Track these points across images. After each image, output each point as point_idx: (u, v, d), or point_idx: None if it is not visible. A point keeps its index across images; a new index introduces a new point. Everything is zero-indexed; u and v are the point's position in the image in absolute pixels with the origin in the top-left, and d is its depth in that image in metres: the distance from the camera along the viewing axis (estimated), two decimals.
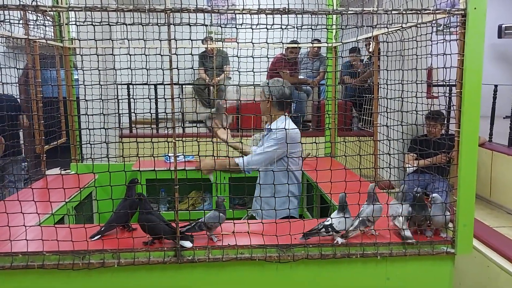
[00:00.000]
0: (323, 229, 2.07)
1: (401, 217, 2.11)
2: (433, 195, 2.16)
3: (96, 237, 2.10)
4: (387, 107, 2.90)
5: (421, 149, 3.56)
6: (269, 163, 2.79)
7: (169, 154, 3.70)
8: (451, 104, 4.59)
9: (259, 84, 5.98)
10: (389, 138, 2.48)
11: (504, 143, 4.67)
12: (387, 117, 2.95)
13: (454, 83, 2.08)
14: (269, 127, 2.98)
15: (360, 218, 2.08)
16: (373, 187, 2.12)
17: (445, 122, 4.40)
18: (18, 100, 4.63)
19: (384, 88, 3.13)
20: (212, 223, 2.11)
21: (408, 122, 2.75)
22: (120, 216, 2.22)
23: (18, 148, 4.42)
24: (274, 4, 2.23)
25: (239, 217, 3.58)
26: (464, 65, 1.97)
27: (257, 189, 2.94)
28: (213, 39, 6.14)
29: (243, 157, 2.97)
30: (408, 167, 4.11)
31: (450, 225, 2.11)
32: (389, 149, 2.63)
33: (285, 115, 2.97)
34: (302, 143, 2.78)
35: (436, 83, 4.99)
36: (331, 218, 2.09)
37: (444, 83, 2.24)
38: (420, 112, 2.56)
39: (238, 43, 2.54)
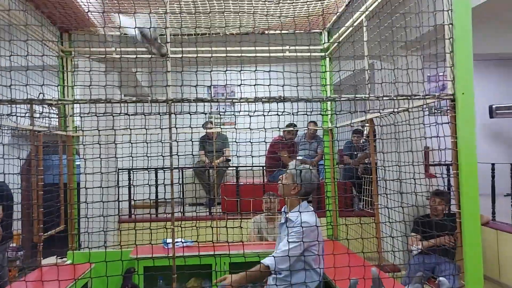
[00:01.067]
0: None
1: None
2: (440, 278, 2.09)
3: None
4: (386, 188, 2.90)
5: (424, 230, 3.50)
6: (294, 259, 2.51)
7: (168, 240, 3.63)
8: (450, 185, 4.60)
9: (258, 166, 6.05)
10: (391, 221, 2.46)
11: (508, 221, 4.60)
12: (387, 198, 2.95)
13: (451, 163, 2.12)
14: (286, 215, 2.74)
15: None
16: (376, 271, 2.06)
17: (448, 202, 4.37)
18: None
19: (382, 169, 3.17)
20: None
21: (408, 203, 2.74)
22: None
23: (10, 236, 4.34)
24: (270, 91, 2.34)
25: None
26: (458, 146, 2.01)
27: (271, 280, 2.69)
28: (213, 123, 6.32)
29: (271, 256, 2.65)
30: (413, 249, 4.01)
31: None
32: (392, 231, 2.59)
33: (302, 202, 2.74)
34: (302, 226, 2.68)
35: (433, 163, 5.04)
36: None
37: (441, 163, 2.27)
38: (419, 193, 2.56)
39: (236, 128, 2.60)
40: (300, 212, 2.50)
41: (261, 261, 2.53)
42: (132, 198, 5.87)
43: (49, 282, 2.13)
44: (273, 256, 2.51)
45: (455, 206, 2.07)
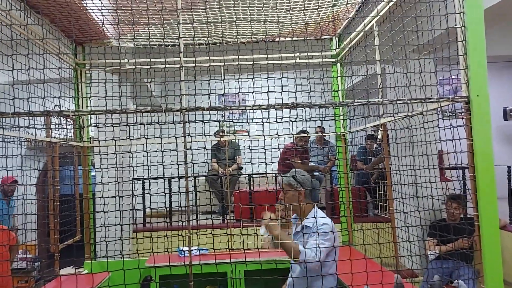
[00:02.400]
0: None
1: None
2: (459, 281, 2.07)
3: None
4: (401, 193, 2.88)
5: (441, 235, 3.46)
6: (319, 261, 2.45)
7: (183, 248, 3.64)
8: (466, 188, 4.54)
9: (271, 173, 6.06)
10: (407, 225, 2.44)
11: None
12: (403, 203, 2.93)
13: (466, 166, 2.10)
14: (301, 222, 2.68)
15: None
16: (398, 278, 2.05)
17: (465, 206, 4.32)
18: None
19: (396, 174, 3.14)
20: None
21: (424, 207, 2.72)
22: None
23: None
24: (282, 98, 2.35)
25: None
26: (474, 149, 2.00)
27: (290, 282, 2.68)
28: (225, 132, 6.34)
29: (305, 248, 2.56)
30: (430, 254, 3.96)
31: None
32: (408, 235, 2.57)
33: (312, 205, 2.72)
34: (305, 233, 2.58)
35: (448, 167, 4.99)
36: None
37: (456, 167, 2.25)
38: (435, 197, 2.54)
39: (249, 136, 2.61)
40: (315, 218, 2.47)
41: (300, 245, 2.46)
42: (146, 207, 5.91)
43: None
44: (308, 249, 2.44)
45: (472, 210, 2.05)
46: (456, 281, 2.15)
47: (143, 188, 5.80)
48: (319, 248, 2.38)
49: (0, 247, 3.17)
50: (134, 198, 4.47)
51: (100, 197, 2.87)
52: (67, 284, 3.08)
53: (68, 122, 3.74)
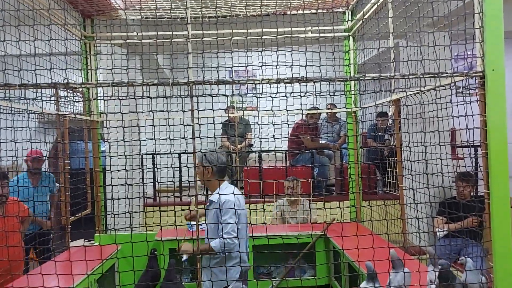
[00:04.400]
0: None
1: (433, 284, 1.99)
2: (466, 258, 2.05)
3: None
4: (411, 170, 2.85)
5: (451, 212, 3.43)
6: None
7: (192, 223, 3.67)
8: (478, 165, 4.48)
9: (281, 150, 6.05)
10: (415, 202, 2.41)
11: None
12: (413, 180, 2.89)
13: (478, 144, 2.05)
14: (211, 198, 2.91)
15: (393, 287, 1.97)
16: (395, 253, 2.04)
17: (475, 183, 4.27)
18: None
19: (407, 151, 3.10)
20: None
21: (434, 185, 2.69)
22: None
23: None
24: (292, 73, 2.30)
25: (264, 287, 3.45)
26: (488, 125, 1.95)
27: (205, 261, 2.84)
28: (235, 108, 6.31)
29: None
30: (438, 231, 3.94)
31: None
32: (417, 212, 2.54)
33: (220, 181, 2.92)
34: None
35: (460, 144, 4.93)
36: None
37: (468, 144, 2.20)
38: (446, 174, 2.50)
39: (258, 111, 2.57)
40: (219, 195, 2.59)
41: (211, 242, 2.76)
42: (156, 181, 5.96)
43: (77, 263, 2.19)
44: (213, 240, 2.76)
45: (483, 187, 2.01)
46: (462, 257, 2.13)
47: (153, 163, 5.83)
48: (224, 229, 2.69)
49: (11, 218, 3.22)
50: (143, 173, 4.49)
51: (110, 170, 2.90)
52: (78, 255, 3.14)
53: (76, 95, 3.73)
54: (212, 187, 2.92)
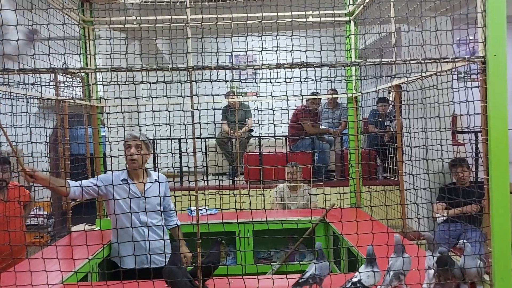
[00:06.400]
0: (352, 286, 1.98)
1: (432, 269, 2.01)
2: (465, 242, 2.07)
3: None
4: (411, 155, 2.85)
5: (450, 198, 3.44)
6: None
7: (192, 208, 3.69)
8: (478, 151, 4.49)
9: (281, 135, 6.03)
10: (415, 187, 2.42)
11: None
12: (412, 166, 2.89)
13: (479, 130, 2.05)
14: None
15: (393, 272, 1.99)
16: (399, 238, 2.05)
17: (473, 169, 4.28)
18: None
19: (407, 136, 3.10)
20: (325, 275, 2.02)
21: (434, 170, 2.69)
22: None
23: None
24: (292, 58, 2.28)
25: (264, 271, 3.48)
26: (488, 111, 1.94)
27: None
28: (236, 94, 6.29)
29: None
30: (438, 217, 3.96)
31: (487, 277, 1.99)
32: (416, 198, 2.55)
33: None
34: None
35: (461, 130, 4.92)
36: (359, 273, 2.01)
37: (469, 130, 2.20)
38: (446, 160, 2.50)
39: (258, 97, 2.56)
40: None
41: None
42: (156, 167, 5.96)
43: (79, 247, 2.21)
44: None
45: (483, 173, 2.01)
46: (461, 241, 2.14)
47: (154, 149, 5.83)
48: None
49: (13, 203, 3.24)
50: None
51: (110, 156, 2.89)
52: (79, 240, 3.16)
53: (76, 80, 3.71)
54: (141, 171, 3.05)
